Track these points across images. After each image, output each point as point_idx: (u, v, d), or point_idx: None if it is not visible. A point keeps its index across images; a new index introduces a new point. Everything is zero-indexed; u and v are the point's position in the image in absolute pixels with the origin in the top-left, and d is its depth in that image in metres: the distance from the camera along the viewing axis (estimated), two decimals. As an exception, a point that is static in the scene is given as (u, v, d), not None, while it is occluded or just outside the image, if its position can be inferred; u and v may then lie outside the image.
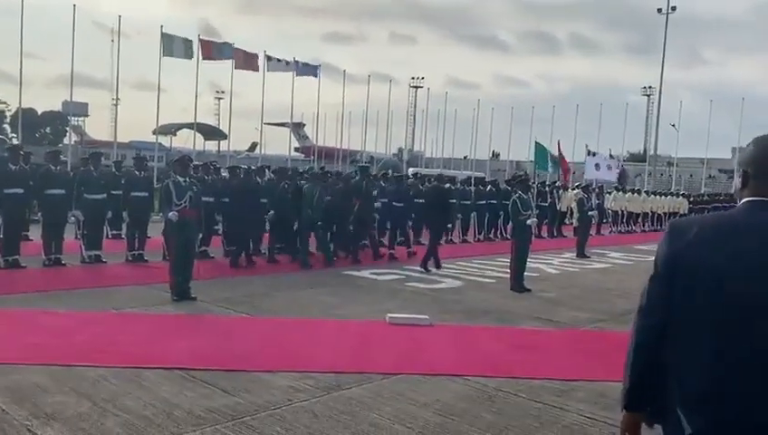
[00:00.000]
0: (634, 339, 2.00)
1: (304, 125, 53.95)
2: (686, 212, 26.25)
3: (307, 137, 54.90)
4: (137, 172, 11.36)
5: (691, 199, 27.71)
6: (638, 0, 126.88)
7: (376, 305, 8.14)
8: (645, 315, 1.97)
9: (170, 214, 8.01)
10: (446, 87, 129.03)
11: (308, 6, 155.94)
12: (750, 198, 1.92)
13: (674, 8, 41.42)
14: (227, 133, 31.40)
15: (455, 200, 14.92)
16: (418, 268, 11.39)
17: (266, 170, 13.13)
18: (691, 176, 51.92)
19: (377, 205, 13.04)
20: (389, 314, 7.26)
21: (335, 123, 41.27)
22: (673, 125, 43.55)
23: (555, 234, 19.37)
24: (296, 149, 58.57)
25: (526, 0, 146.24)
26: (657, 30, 42.21)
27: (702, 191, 35.68)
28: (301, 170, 14.74)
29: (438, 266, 11.52)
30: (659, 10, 41.93)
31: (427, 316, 7.33)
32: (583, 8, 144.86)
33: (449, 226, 13.99)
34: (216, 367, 5.31)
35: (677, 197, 26.74)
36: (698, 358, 1.83)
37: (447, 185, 14.70)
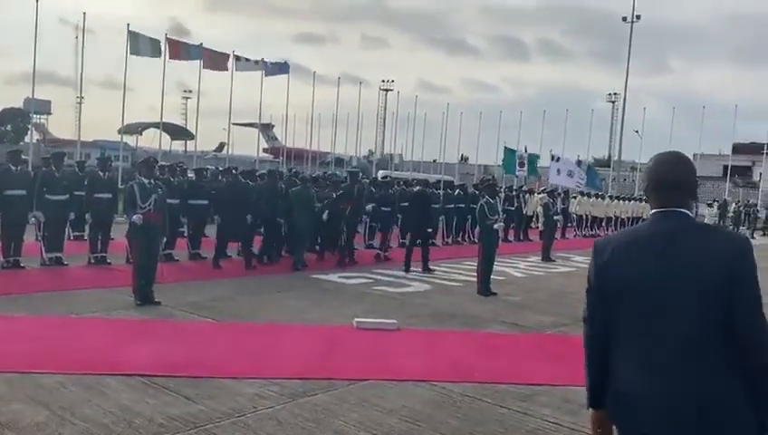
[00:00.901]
0: (584, 346, 2.30)
1: (273, 126, 53.57)
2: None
3: (276, 138, 54.55)
4: (100, 173, 11.12)
5: (653, 204, 28.34)
6: (605, 8, 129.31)
7: (343, 310, 8.10)
8: (588, 325, 2.29)
9: (134, 217, 7.86)
10: (417, 90, 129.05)
11: (280, 7, 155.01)
12: (652, 211, 2.18)
13: (638, 17, 42.28)
14: (194, 133, 31.00)
15: (437, 205, 15.33)
16: (387, 272, 11.42)
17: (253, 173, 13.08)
18: (654, 181, 53.00)
19: (367, 208, 13.26)
20: (357, 319, 7.24)
21: (305, 125, 41.26)
22: (636, 131, 44.47)
23: (521, 237, 19.57)
24: (265, 150, 58.10)
25: (496, 6, 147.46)
26: (623, 38, 43.02)
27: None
28: (290, 173, 14.81)
29: (407, 270, 11.64)
30: (624, 18, 42.78)
31: (394, 321, 7.32)
32: (551, 15, 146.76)
33: (430, 230, 14.19)
34: (179, 374, 5.21)
35: (641, 201, 27.22)
36: (626, 348, 2.10)
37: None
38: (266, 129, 51.72)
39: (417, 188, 13.60)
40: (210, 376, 5.22)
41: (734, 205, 33.93)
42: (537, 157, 16.79)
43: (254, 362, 5.68)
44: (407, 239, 12.58)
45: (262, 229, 11.75)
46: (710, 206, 25.65)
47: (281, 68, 29.95)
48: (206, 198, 11.73)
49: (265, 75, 28.92)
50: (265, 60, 28.69)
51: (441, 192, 17.24)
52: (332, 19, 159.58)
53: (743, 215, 32.16)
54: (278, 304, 8.32)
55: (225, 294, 8.68)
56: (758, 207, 32.18)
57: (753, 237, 27.62)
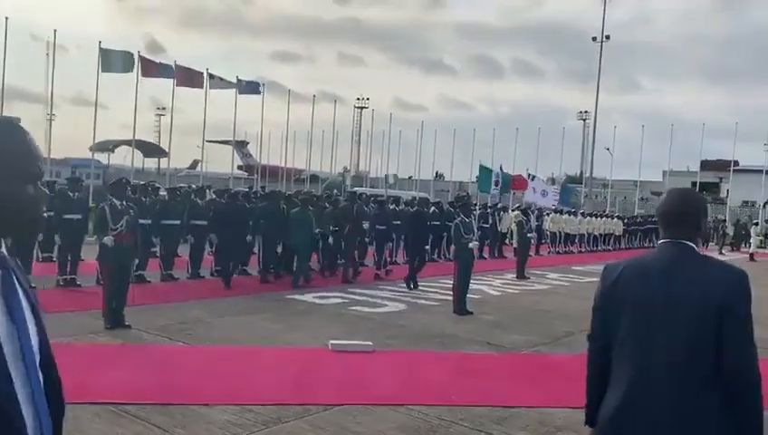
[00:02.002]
0: (587, 361, 2.43)
1: (248, 143, 53.36)
2: (621, 233, 27.16)
3: (250, 155, 54.27)
4: (70, 193, 10.91)
5: (625, 221, 28.66)
6: (576, 28, 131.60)
7: (318, 331, 8.02)
8: (591, 340, 2.44)
9: (105, 238, 7.72)
10: (392, 108, 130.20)
11: (256, 25, 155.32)
12: (661, 240, 2.35)
13: (608, 37, 43.21)
14: (168, 150, 30.68)
15: (438, 222, 15.93)
16: (362, 291, 11.38)
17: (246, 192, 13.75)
18: (625, 198, 53.83)
19: (365, 227, 13.39)
20: (332, 341, 7.16)
21: (280, 142, 41.04)
22: (607, 149, 45.25)
23: (496, 254, 19.66)
24: (239, 168, 57.82)
25: (471, 26, 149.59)
26: (594, 57, 43.88)
27: (635, 213, 37.00)
28: (288, 194, 14.95)
29: (414, 286, 12.07)
30: (594, 38, 43.67)
31: (370, 342, 7.26)
32: (525, 35, 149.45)
33: (427, 247, 14.70)
34: (150, 401, 5.09)
35: (612, 218, 27.65)
36: (627, 361, 2.23)
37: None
38: (241, 146, 51.47)
39: (416, 208, 14.41)
40: (182, 403, 5.10)
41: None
42: (489, 170, 17.01)
43: (228, 388, 5.57)
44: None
45: (256, 249, 12.19)
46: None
47: (254, 88, 29.90)
48: (180, 218, 11.60)
49: (239, 94, 28.83)
50: (240, 78, 28.59)
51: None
52: (309, 37, 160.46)
53: (711, 231, 32.73)
54: (252, 327, 8.20)
55: (198, 317, 8.54)
56: (726, 224, 32.80)
57: (721, 253, 28.13)
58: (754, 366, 2.09)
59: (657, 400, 2.12)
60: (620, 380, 2.23)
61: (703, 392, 2.08)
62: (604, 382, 2.31)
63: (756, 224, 30.38)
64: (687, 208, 2.33)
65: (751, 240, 27.28)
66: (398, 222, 14.69)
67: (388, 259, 14.43)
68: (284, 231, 11.83)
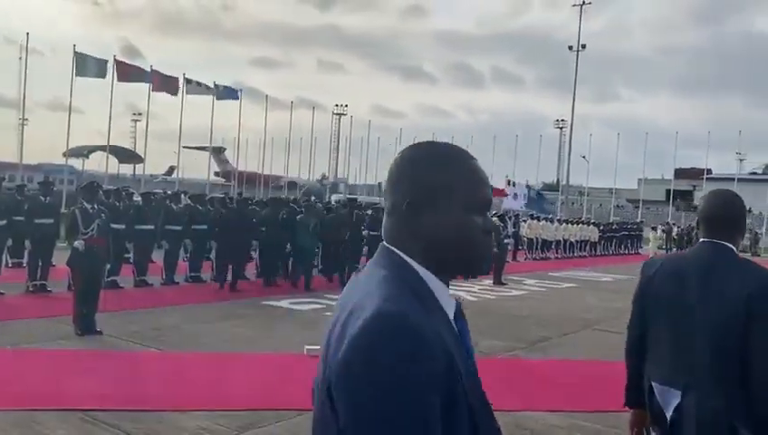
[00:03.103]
0: (626, 348, 2.63)
1: (225, 149, 53.05)
2: (596, 240, 27.44)
3: (227, 161, 53.97)
4: (42, 197, 10.72)
5: (601, 228, 28.97)
6: (554, 37, 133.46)
7: (294, 337, 7.93)
8: (629, 328, 2.63)
9: (76, 243, 7.58)
10: (372, 115, 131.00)
11: (235, 31, 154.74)
12: (701, 239, 2.46)
13: (584, 46, 43.79)
14: (143, 156, 30.35)
15: None
16: (339, 297, 11.29)
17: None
18: (600, 205, 54.53)
19: (363, 233, 13.69)
20: (307, 346, 7.08)
21: (257, 148, 40.88)
22: (584, 157, 45.79)
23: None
24: (216, 174, 57.49)
25: (451, 34, 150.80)
26: (571, 66, 44.63)
27: (611, 220, 37.47)
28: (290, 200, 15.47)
29: None
30: (570, 47, 44.24)
31: (345, 348, 7.20)
32: (504, 43, 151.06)
33: None
34: (121, 407, 4.99)
35: (588, 225, 27.91)
36: (662, 355, 2.41)
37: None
38: (218, 152, 51.16)
39: None
40: (153, 409, 5.01)
41: (676, 229, 35.11)
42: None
43: (200, 394, 5.48)
44: None
45: (256, 254, 12.72)
46: (654, 229, 26.41)
47: (232, 94, 29.79)
48: (154, 224, 11.46)
49: (217, 99, 28.69)
50: (217, 84, 28.48)
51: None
52: (288, 44, 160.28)
53: (685, 238, 33.24)
54: (226, 333, 8.11)
55: (171, 323, 8.41)
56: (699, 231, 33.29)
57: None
58: None
59: (695, 390, 2.26)
60: (659, 365, 2.41)
61: (731, 391, 2.18)
62: (640, 370, 2.50)
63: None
64: (730, 210, 2.41)
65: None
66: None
67: None
68: (287, 237, 12.28)
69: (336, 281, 12.91)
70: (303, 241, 12.18)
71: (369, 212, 15.12)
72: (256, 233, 12.27)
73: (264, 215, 12.75)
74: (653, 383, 2.41)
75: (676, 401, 2.31)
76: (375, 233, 14.09)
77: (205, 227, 12.13)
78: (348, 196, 19.13)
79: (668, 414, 2.33)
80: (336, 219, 13.38)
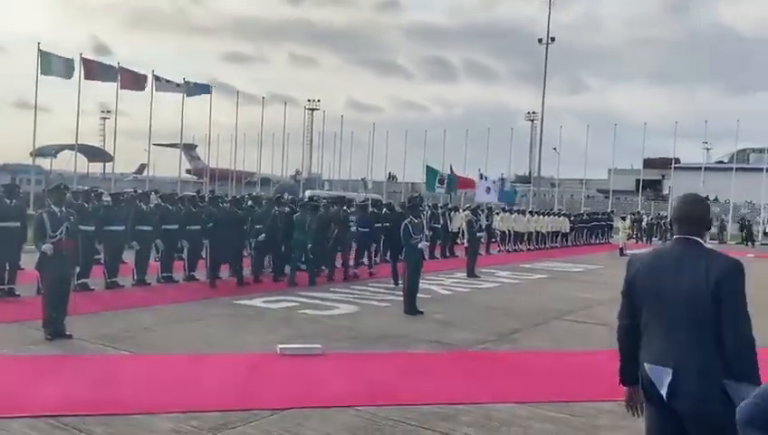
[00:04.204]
0: (617, 337, 3.07)
1: (196, 146, 52.50)
2: (568, 231, 27.78)
3: (199, 158, 53.43)
4: (7, 200, 10.53)
5: (572, 218, 29.33)
6: (525, 29, 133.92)
7: (266, 336, 7.97)
8: (619, 318, 3.07)
9: (44, 246, 7.49)
10: (346, 110, 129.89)
11: (206, 25, 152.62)
12: (675, 236, 2.94)
13: (553, 39, 44.17)
14: (113, 155, 29.91)
15: (438, 226, 17.55)
16: (313, 294, 11.38)
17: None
18: (572, 196, 55.17)
19: (352, 229, 14.29)
20: (280, 345, 7.13)
21: (229, 144, 40.50)
22: (555, 148, 46.27)
23: (447, 254, 19.87)
24: (188, 171, 56.85)
25: (423, 27, 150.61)
26: (542, 58, 44.75)
27: (582, 210, 37.95)
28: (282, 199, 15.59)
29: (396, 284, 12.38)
30: (540, 40, 44.59)
31: (319, 345, 7.26)
32: (476, 36, 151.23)
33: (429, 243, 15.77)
34: (92, 412, 4.97)
35: (559, 216, 28.23)
36: (651, 340, 2.87)
37: (439, 210, 18.80)
38: (189, 149, 50.62)
39: (431, 210, 16.17)
40: (124, 413, 5.00)
41: (646, 218, 35.72)
42: (435, 171, 17.64)
43: (172, 396, 5.48)
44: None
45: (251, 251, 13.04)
46: (623, 219, 26.82)
47: (202, 90, 29.48)
48: (124, 224, 11.35)
49: (187, 96, 28.38)
50: (187, 80, 28.16)
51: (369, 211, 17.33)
52: (260, 38, 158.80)
53: (654, 227, 33.86)
54: (199, 333, 8.09)
55: (143, 325, 8.37)
56: (669, 220, 33.85)
57: (663, 248, 29.05)
58: (747, 328, 2.69)
59: (682, 361, 2.74)
60: (649, 350, 2.86)
61: (711, 359, 2.70)
62: (633, 352, 2.94)
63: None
64: (697, 210, 2.93)
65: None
66: (386, 224, 14.93)
67: (374, 260, 15.33)
68: (281, 235, 12.73)
69: (323, 277, 13.34)
70: (299, 239, 12.57)
71: (354, 209, 15.59)
72: (251, 231, 12.66)
73: (260, 213, 13.14)
74: (645, 365, 2.85)
75: (668, 379, 2.75)
76: (365, 230, 14.72)
77: (175, 226, 12.07)
78: (331, 193, 20.04)
79: (663, 391, 2.77)
80: (327, 217, 13.63)
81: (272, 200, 14.21)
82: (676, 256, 2.86)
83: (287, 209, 13.53)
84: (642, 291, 2.90)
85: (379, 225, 15.07)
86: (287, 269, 12.91)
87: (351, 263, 14.40)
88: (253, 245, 12.84)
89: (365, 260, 15.02)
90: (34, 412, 4.91)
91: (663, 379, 2.78)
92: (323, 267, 13.52)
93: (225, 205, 13.20)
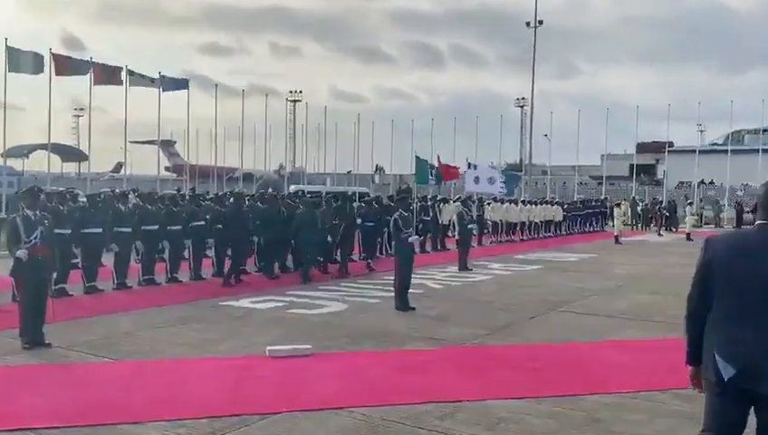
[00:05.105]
0: (687, 315, 3.18)
1: (175, 142, 52.12)
2: (561, 220, 27.90)
3: (178, 155, 53.09)
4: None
5: (565, 207, 29.46)
6: (513, 13, 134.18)
7: (255, 338, 7.95)
8: (689, 299, 3.17)
9: (19, 252, 7.41)
10: (330, 100, 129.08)
11: (181, 16, 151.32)
12: (759, 221, 3.08)
13: (541, 22, 44.33)
14: (87, 154, 29.62)
15: (428, 219, 17.91)
16: (301, 293, 11.39)
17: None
18: (564, 184, 55.33)
19: (357, 223, 15.04)
20: (269, 347, 7.11)
21: (209, 140, 40.24)
22: (546, 135, 46.42)
23: (439, 247, 19.90)
24: (166, 169, 56.45)
25: (408, 12, 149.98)
26: (531, 42, 44.66)
27: (575, 198, 38.12)
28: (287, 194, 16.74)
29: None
30: (528, 23, 44.69)
31: (309, 346, 7.25)
32: (462, 21, 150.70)
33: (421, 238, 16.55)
34: (74, 423, 4.93)
35: (552, 205, 28.34)
36: (725, 321, 3.00)
37: (429, 202, 19.15)
38: (167, 145, 50.26)
39: (420, 203, 16.28)
40: (109, 423, 4.97)
41: (641, 204, 35.92)
42: (425, 162, 17.76)
43: (158, 404, 5.45)
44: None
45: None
46: (618, 206, 26.97)
47: (179, 84, 29.22)
48: (102, 226, 11.26)
49: (163, 91, 28.12)
50: (163, 75, 27.90)
51: (356, 205, 17.38)
52: (239, 28, 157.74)
53: (650, 214, 34.05)
54: (183, 337, 8.05)
55: (125, 330, 8.31)
56: (664, 205, 34.11)
57: (660, 235, 29.33)
58: None
59: (757, 340, 2.89)
60: (722, 334, 2.99)
61: None
62: (701, 333, 3.07)
63: (691, 204, 31.60)
64: None
65: (686, 220, 28.44)
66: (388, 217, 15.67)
67: (378, 255, 15.99)
68: (286, 233, 13.15)
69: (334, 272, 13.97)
70: (306, 236, 12.92)
71: (362, 204, 16.42)
72: (255, 229, 13.18)
73: (262, 211, 13.56)
74: (716, 349, 2.98)
75: (742, 363, 2.90)
76: (370, 224, 15.13)
77: (156, 227, 11.99)
78: (342, 190, 21.32)
79: (733, 376, 2.92)
80: (329, 212, 14.08)
81: (275, 197, 14.80)
82: (758, 241, 3.01)
83: (284, 209, 13.86)
84: (720, 275, 3.01)
85: (389, 218, 15.44)
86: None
87: (355, 257, 15.07)
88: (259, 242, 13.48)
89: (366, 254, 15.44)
90: (16, 426, 4.86)
91: (737, 363, 2.91)
92: (328, 263, 14.16)
93: (230, 203, 13.68)
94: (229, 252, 13.10)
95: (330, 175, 44.80)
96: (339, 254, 14.53)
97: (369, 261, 15.10)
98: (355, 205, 16.55)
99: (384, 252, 16.40)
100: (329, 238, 13.93)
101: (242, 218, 12.85)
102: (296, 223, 13.08)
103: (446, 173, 19.46)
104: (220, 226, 12.71)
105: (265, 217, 13.40)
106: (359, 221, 15.24)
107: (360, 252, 15.48)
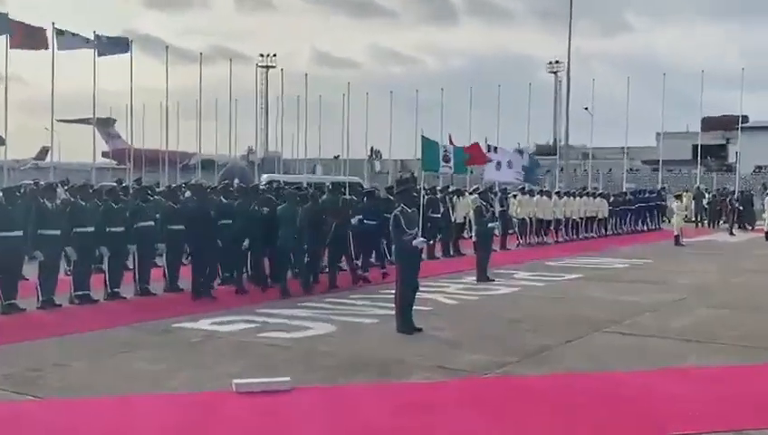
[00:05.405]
0: None
1: (114, 121, 52.24)
2: (606, 216, 27.94)
3: (119, 137, 53.14)
4: None
5: (611, 200, 29.45)
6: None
7: (218, 369, 7.96)
8: None
9: None
10: (313, 66, 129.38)
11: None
12: None
13: (579, -35, 44.22)
14: (4, 136, 29.64)
15: (437, 216, 17.91)
16: (277, 311, 11.42)
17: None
18: (610, 170, 55.54)
19: (353, 222, 15.04)
20: (236, 381, 7.12)
21: (158, 117, 40.36)
22: (586, 108, 46.48)
23: (451, 252, 19.92)
24: (105, 154, 56.60)
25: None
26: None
27: (624, 188, 38.20)
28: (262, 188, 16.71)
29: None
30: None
31: (287, 378, 7.25)
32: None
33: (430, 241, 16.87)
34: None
35: (595, 197, 28.30)
36: None
37: (439, 195, 19.23)
38: (105, 125, 50.36)
39: (428, 196, 16.03)
40: (33, 479, 4.97)
41: (707, 195, 35.88)
42: (434, 144, 17.24)
43: (96, 454, 5.46)
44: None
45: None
46: (678, 198, 26.98)
47: (119, 46, 29.26)
48: (22, 229, 11.26)
49: (99, 55, 28.17)
50: (99, 34, 27.94)
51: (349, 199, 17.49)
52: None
53: (719, 208, 33.95)
54: (127, 369, 8.07)
55: (54, 360, 8.32)
56: (736, 196, 34.01)
57: (732, 234, 29.35)
58: None
59: None
60: None
61: None
62: None
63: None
64: None
65: (765, 215, 28.35)
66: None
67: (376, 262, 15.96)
68: (265, 233, 13.32)
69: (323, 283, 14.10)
70: (286, 236, 13.10)
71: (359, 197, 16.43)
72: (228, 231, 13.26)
73: (237, 208, 13.63)
74: None
75: None
76: (372, 222, 15.14)
77: (91, 229, 11.97)
78: (334, 180, 21.52)
79: None
80: (319, 208, 14.12)
81: (247, 193, 14.78)
82: None
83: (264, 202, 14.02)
84: None
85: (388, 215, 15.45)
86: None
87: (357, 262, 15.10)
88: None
89: (359, 262, 15.42)
90: None
91: None
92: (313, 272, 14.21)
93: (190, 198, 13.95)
94: (187, 261, 13.13)
95: (320, 162, 44.86)
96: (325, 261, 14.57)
97: (364, 272, 15.13)
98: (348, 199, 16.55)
99: (382, 259, 16.36)
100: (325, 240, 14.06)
101: (207, 217, 12.89)
102: (279, 222, 13.19)
103: (474, 157, 19.21)
104: (181, 226, 12.77)
105: (238, 215, 13.47)
106: (355, 220, 15.21)
107: (350, 259, 15.36)
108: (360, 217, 15.45)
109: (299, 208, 13.54)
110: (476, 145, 18.22)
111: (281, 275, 13.46)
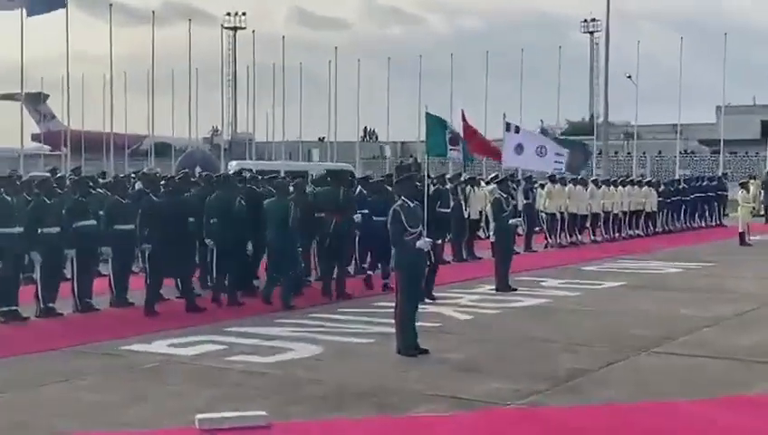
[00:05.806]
0: None
1: (47, 97, 52.20)
2: (655, 209, 27.88)
3: (53, 116, 53.13)
4: None
5: (661, 189, 29.38)
6: None
7: (178, 401, 8.00)
8: None
9: None
10: (293, 26, 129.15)
11: None
12: None
13: None
14: None
15: (447, 211, 17.52)
16: (250, 329, 11.56)
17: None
18: (660, 153, 55.56)
19: (356, 218, 15.30)
20: (200, 415, 7.13)
21: (100, 92, 40.32)
22: (629, 77, 46.55)
23: (465, 255, 19.93)
24: (34, 138, 56.52)
25: None
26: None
27: (677, 175, 38.20)
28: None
29: (429, 298, 13.27)
30: None
31: (263, 412, 7.28)
32: None
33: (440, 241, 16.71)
34: None
35: (641, 187, 28.23)
36: None
37: (448, 185, 19.13)
38: (35, 102, 50.33)
39: (436, 186, 16.10)
40: None
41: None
42: (440, 121, 16.90)
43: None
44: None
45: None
46: (744, 187, 26.91)
47: (51, 2, 29.21)
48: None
49: (27, 16, 28.17)
50: (27, -11, 27.92)
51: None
52: None
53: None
54: (66, 401, 8.10)
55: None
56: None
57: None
58: None
59: None
60: None
61: None
62: None
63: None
64: None
65: None
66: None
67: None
68: (249, 230, 13.68)
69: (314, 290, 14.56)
70: (278, 237, 13.43)
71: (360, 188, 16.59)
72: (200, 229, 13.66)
73: (213, 202, 13.79)
74: None
75: None
76: (381, 219, 14.78)
77: (20, 230, 11.96)
78: (330, 168, 21.58)
79: None
80: (315, 202, 14.65)
81: (226, 185, 14.88)
82: None
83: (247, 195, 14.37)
84: None
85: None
86: (257, 282, 14.12)
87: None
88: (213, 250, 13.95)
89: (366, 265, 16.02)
90: None
91: None
92: (309, 278, 14.81)
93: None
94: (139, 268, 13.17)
95: (314, 145, 44.82)
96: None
97: (384, 278, 15.29)
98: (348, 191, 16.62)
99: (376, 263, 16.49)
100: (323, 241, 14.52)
101: (180, 214, 13.11)
102: (266, 218, 13.50)
103: (476, 144, 19.17)
104: (130, 226, 12.91)
105: (217, 210, 13.65)
106: (358, 216, 15.36)
107: (355, 261, 15.76)
108: (366, 211, 15.65)
109: (291, 203, 13.82)
110: (470, 129, 17.94)
111: (271, 281, 13.74)
